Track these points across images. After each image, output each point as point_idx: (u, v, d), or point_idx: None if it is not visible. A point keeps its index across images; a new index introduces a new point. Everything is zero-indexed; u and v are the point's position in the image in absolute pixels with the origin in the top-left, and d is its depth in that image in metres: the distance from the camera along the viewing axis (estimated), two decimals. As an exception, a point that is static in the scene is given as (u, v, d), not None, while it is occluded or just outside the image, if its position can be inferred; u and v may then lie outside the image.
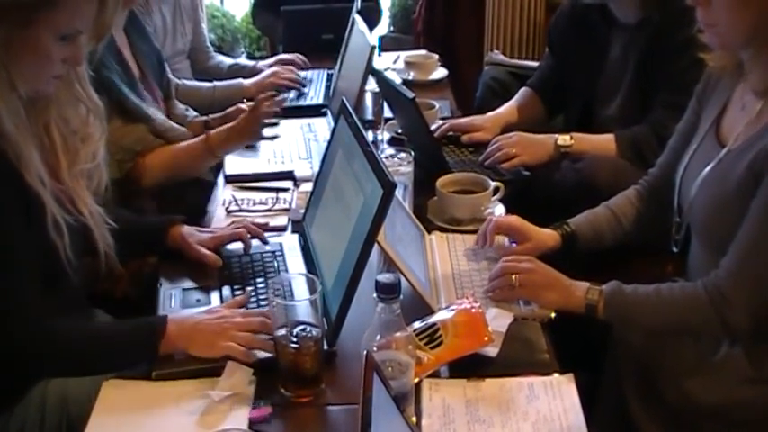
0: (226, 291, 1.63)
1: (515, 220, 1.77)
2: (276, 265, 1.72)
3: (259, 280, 1.66)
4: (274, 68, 2.86)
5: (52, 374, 1.46)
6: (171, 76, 2.54)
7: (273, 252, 1.76)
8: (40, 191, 1.38)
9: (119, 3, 1.49)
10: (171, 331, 1.41)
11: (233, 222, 1.81)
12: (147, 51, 2.22)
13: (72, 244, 1.43)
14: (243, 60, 3.27)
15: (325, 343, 1.38)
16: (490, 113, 2.45)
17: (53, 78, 1.43)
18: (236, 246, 1.75)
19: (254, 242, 1.76)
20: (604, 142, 2.17)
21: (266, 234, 1.80)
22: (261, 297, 1.59)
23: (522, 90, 2.54)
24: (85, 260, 1.54)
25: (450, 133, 2.36)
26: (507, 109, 2.48)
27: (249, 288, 1.61)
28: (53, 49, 1.39)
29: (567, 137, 2.18)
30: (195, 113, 2.40)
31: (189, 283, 1.66)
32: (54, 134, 1.49)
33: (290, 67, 2.88)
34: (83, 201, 1.50)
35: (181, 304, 1.60)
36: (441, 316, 1.46)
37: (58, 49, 1.39)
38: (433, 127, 2.34)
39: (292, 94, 2.78)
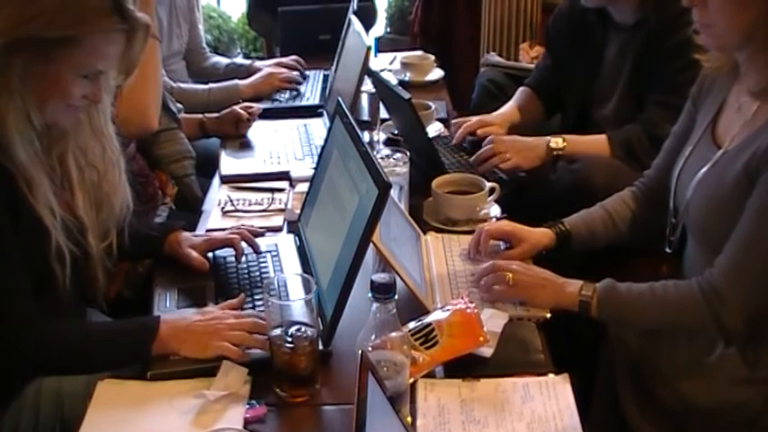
0: (221, 291, 1.63)
1: (506, 224, 1.77)
2: (271, 265, 1.72)
3: (254, 280, 1.66)
4: (270, 69, 2.86)
5: (45, 374, 1.46)
6: (165, 78, 2.53)
7: (269, 252, 1.76)
8: (48, 220, 1.38)
9: (147, 40, 1.44)
10: (163, 332, 1.40)
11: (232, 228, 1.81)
12: None
13: (73, 273, 1.43)
14: (239, 60, 3.27)
15: (320, 343, 1.37)
16: (495, 113, 2.45)
17: (67, 108, 1.41)
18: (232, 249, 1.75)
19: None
20: (597, 143, 2.17)
21: (262, 234, 1.80)
22: (256, 297, 1.59)
23: (521, 90, 2.54)
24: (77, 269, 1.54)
25: (471, 137, 2.33)
26: (509, 109, 2.48)
27: (244, 292, 1.60)
28: (73, 85, 1.38)
29: (559, 139, 2.17)
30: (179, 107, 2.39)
31: (184, 284, 1.66)
32: (70, 166, 1.48)
33: (285, 70, 2.88)
34: (93, 234, 1.50)
35: (176, 305, 1.60)
36: (436, 316, 1.46)
37: (78, 85, 1.39)
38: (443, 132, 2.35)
39: (287, 94, 2.78)
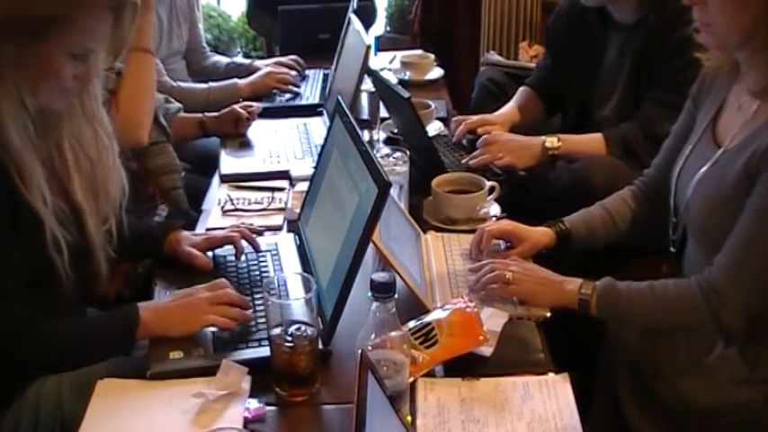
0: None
1: (507, 224, 1.77)
2: (271, 264, 1.72)
3: (254, 279, 1.66)
4: (268, 69, 2.86)
5: (45, 373, 1.45)
6: (165, 77, 2.53)
7: (269, 251, 1.76)
8: (40, 209, 1.38)
9: (134, 20, 1.46)
10: (145, 318, 1.42)
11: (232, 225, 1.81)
12: None
13: (72, 263, 1.43)
14: (239, 59, 3.27)
15: (320, 342, 1.37)
16: (497, 113, 2.45)
17: (60, 92, 1.42)
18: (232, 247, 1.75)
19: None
20: (593, 142, 2.17)
21: (261, 233, 1.80)
22: (256, 296, 1.58)
23: (521, 90, 2.54)
24: (79, 261, 1.54)
25: (470, 136, 2.33)
26: (510, 109, 2.48)
27: (244, 292, 1.60)
28: (64, 66, 1.38)
29: (554, 139, 2.17)
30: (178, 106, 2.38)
31: (183, 284, 1.65)
32: (66, 152, 1.49)
33: (285, 69, 2.88)
34: (92, 221, 1.51)
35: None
36: (436, 315, 1.45)
37: (69, 66, 1.39)
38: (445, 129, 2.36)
39: (287, 96, 2.78)
